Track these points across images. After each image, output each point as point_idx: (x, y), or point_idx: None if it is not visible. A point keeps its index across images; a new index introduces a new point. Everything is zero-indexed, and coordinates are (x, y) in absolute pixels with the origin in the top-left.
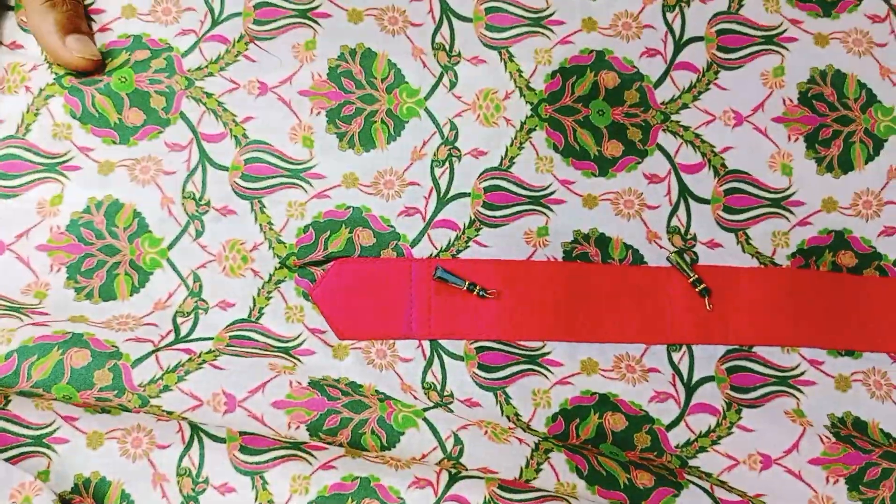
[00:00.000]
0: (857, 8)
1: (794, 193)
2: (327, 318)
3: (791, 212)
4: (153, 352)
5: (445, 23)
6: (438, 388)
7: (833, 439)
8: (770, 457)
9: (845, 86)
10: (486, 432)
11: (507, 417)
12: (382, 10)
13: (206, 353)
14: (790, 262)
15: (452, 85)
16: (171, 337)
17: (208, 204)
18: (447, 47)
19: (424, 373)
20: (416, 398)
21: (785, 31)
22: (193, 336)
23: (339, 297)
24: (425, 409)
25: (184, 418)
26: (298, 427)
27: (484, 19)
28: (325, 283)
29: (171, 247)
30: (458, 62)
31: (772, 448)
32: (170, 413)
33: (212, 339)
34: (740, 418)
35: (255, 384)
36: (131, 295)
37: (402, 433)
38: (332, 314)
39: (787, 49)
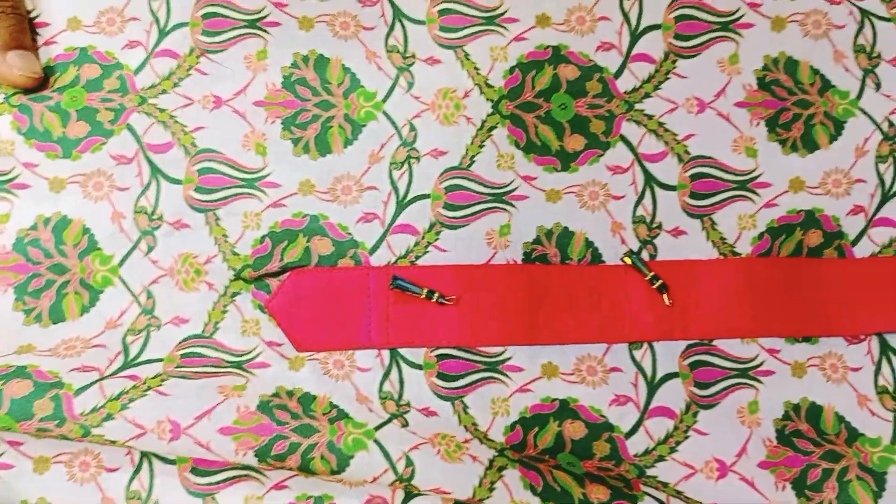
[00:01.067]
0: None
1: (760, 175)
2: (284, 331)
3: (756, 193)
4: (97, 381)
5: (398, 26)
6: (395, 397)
7: (774, 442)
8: (725, 463)
9: (798, 72)
10: (439, 451)
11: (465, 427)
12: (333, 17)
13: (152, 378)
14: (754, 247)
15: (410, 86)
16: (120, 360)
17: (161, 218)
18: (401, 49)
19: (382, 382)
20: (371, 409)
21: (742, 16)
22: (143, 358)
23: (295, 308)
24: (377, 428)
25: (127, 447)
26: (246, 453)
27: (437, 21)
28: (281, 295)
29: (122, 263)
30: (414, 63)
31: (725, 452)
32: (113, 442)
33: (162, 359)
34: (696, 421)
35: (201, 410)
36: (81, 315)
37: (352, 456)
38: (289, 326)
39: (742, 36)
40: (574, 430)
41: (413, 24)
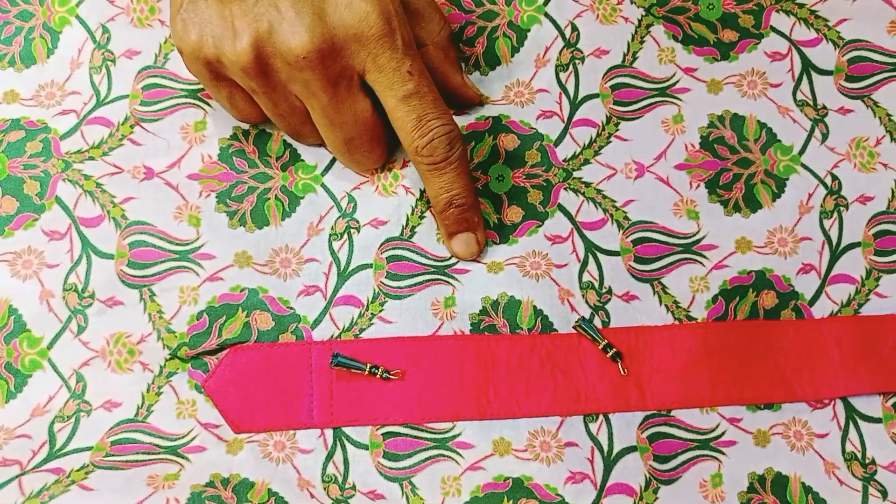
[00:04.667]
0: (756, 47)
1: (704, 237)
2: (222, 412)
3: (705, 256)
4: (17, 476)
5: None
6: (340, 480)
7: None
8: None
9: (745, 127)
10: None
11: None
12: None
13: (77, 470)
14: (709, 311)
15: None
16: (45, 451)
17: (92, 296)
18: None
19: (325, 464)
20: (313, 496)
21: (678, 81)
22: (69, 447)
23: (234, 387)
24: None
25: None
26: None
27: None
28: (218, 374)
29: (51, 346)
30: None
31: None
32: None
33: (90, 448)
34: (657, 498)
35: None
36: (7, 402)
37: None
38: (226, 406)
39: (682, 99)
40: None
41: None
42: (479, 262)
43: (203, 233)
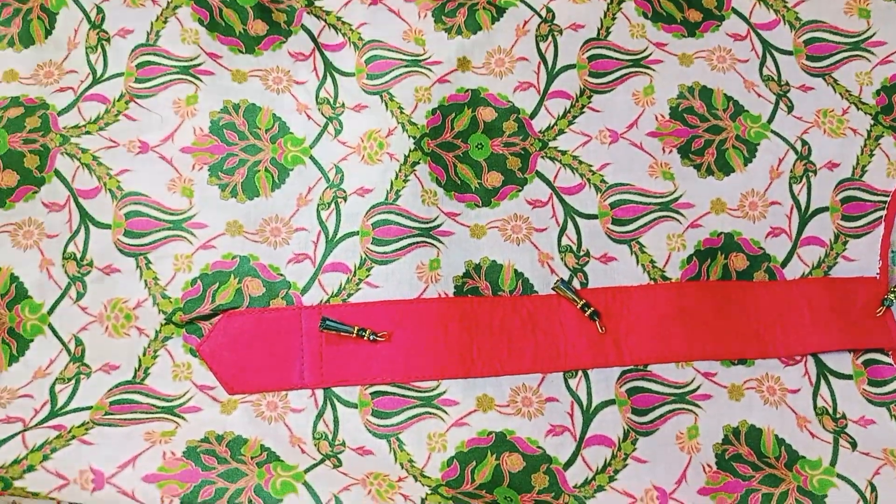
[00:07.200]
0: (718, 28)
1: (681, 196)
2: (216, 374)
3: (682, 214)
4: (20, 432)
5: (329, 79)
6: (330, 437)
7: (714, 468)
8: (665, 491)
9: (713, 99)
10: (370, 492)
11: (401, 465)
12: (266, 71)
13: (77, 426)
14: (683, 271)
15: (338, 132)
16: (46, 410)
17: (91, 264)
18: (331, 101)
19: (316, 422)
20: (304, 451)
21: (651, 54)
22: (70, 406)
23: (227, 351)
24: (307, 470)
25: (52, 499)
26: (172, 501)
27: (365, 70)
28: (212, 338)
29: (51, 311)
30: (343, 112)
31: (664, 480)
32: (35, 494)
33: (90, 407)
34: (635, 448)
35: (125, 458)
36: (10, 365)
37: (280, 500)
38: (220, 369)
39: (655, 70)
40: (512, 463)
41: (343, 77)
42: (461, 224)
43: (196, 203)
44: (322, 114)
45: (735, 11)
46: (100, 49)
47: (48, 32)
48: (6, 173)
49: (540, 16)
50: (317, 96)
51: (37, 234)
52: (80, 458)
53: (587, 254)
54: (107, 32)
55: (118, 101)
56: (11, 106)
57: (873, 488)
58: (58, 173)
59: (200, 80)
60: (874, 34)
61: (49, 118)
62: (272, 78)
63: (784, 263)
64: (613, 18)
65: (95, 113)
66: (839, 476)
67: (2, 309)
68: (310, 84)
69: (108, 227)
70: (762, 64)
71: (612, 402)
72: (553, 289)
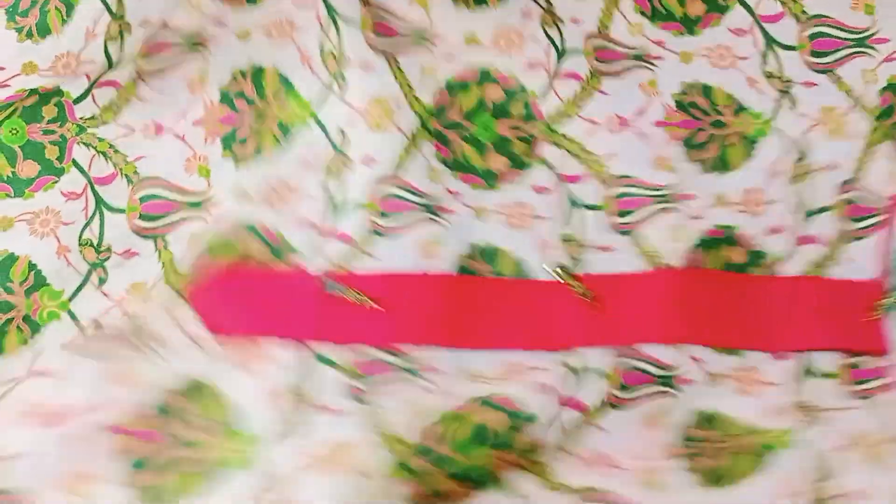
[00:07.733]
0: (719, 23)
1: (683, 188)
2: (201, 315)
3: (684, 205)
4: None
5: (332, 28)
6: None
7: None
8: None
9: (713, 96)
10: None
11: None
12: (269, 24)
13: None
14: (683, 262)
15: (342, 91)
16: None
17: (109, 250)
18: (335, 53)
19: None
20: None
21: (651, 51)
22: None
23: (221, 302)
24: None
25: None
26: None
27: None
28: (207, 286)
29: (72, 298)
30: (348, 67)
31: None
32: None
33: None
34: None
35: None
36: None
37: None
38: (207, 311)
39: (656, 66)
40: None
41: (348, 27)
42: (465, 205)
43: (213, 183)
44: (327, 68)
45: (741, 2)
46: (119, 39)
47: (65, 22)
48: (27, 164)
49: (540, 5)
50: (321, 49)
51: (53, 223)
52: None
53: (588, 242)
54: (129, 25)
55: (129, 83)
56: (29, 97)
57: None
58: (75, 163)
59: (207, 49)
60: (878, 31)
61: (64, 106)
62: (275, 30)
63: (782, 261)
64: (610, 16)
65: (108, 98)
66: None
67: (20, 296)
68: (313, 32)
69: (122, 211)
70: (764, 59)
71: (602, 374)
72: (553, 273)
